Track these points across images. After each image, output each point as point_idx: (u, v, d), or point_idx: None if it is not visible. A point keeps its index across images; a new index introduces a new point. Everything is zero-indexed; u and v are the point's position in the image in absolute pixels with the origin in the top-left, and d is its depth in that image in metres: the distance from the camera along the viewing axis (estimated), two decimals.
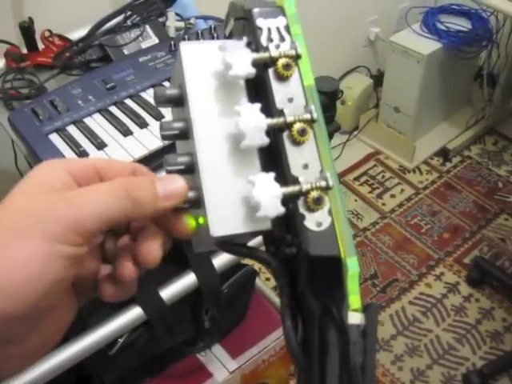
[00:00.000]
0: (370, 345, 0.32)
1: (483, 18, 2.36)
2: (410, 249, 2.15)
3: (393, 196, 2.36)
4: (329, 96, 1.10)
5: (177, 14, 1.27)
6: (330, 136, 1.18)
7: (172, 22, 1.25)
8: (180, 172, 0.37)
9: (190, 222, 0.37)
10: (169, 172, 0.37)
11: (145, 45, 1.20)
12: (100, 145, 0.97)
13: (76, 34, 1.25)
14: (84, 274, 0.38)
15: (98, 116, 1.03)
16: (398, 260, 2.11)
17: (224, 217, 0.34)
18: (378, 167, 2.48)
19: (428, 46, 2.27)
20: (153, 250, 0.38)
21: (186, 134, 0.36)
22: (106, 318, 1.09)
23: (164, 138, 0.37)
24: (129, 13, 1.23)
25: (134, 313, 1.11)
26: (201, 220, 0.35)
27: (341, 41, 2.47)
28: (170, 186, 0.36)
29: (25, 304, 0.32)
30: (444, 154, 2.52)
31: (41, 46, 1.21)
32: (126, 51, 1.19)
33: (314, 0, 2.20)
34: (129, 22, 1.23)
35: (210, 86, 0.36)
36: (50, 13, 1.34)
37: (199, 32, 1.17)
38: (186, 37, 1.22)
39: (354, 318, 0.32)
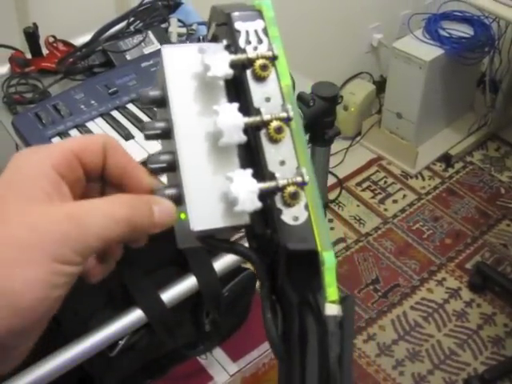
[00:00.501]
0: (347, 335, 0.33)
1: (485, 25, 2.37)
2: (412, 254, 2.16)
3: (395, 201, 2.37)
4: (329, 101, 1.11)
5: (179, 20, 1.28)
6: (330, 141, 1.19)
7: (174, 28, 1.26)
8: (162, 170, 0.38)
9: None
10: (152, 170, 0.38)
11: (147, 50, 1.22)
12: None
13: (80, 40, 1.27)
14: None
15: (100, 120, 1.04)
16: (399, 265, 2.12)
17: (204, 212, 0.35)
18: (381, 173, 2.49)
19: (430, 52, 2.28)
20: None
21: (168, 134, 0.38)
22: (107, 320, 1.10)
23: (147, 137, 0.38)
24: (132, 19, 1.24)
25: (135, 315, 1.12)
26: (182, 215, 0.36)
27: (343, 47, 2.48)
28: (165, 213, 0.37)
29: (32, 320, 0.33)
30: (446, 159, 2.53)
31: (45, 51, 1.23)
32: (128, 57, 1.20)
33: (316, 6, 2.22)
34: (131, 28, 1.25)
35: (190, 86, 0.37)
36: (54, 19, 1.36)
37: (201, 38, 1.18)
38: (188, 43, 1.23)
39: (332, 309, 0.33)
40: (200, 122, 0.37)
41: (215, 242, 0.37)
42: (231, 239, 0.38)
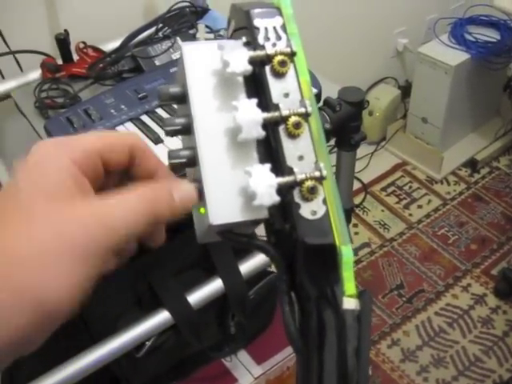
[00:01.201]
0: (364, 329, 0.34)
1: None
2: (437, 260, 2.15)
3: (420, 207, 2.36)
4: (355, 106, 1.11)
5: (207, 27, 1.30)
6: (357, 146, 1.19)
7: (202, 34, 1.28)
8: (182, 165, 0.39)
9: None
10: (172, 165, 0.39)
11: (175, 56, 1.23)
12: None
13: (109, 46, 1.29)
14: None
15: (129, 124, 1.06)
16: (424, 271, 2.11)
17: (223, 206, 0.36)
18: (406, 178, 2.48)
19: (456, 56, 2.27)
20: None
21: (188, 130, 0.38)
22: (134, 321, 1.12)
23: (167, 133, 0.39)
24: (160, 25, 1.26)
25: (162, 316, 1.14)
26: (202, 210, 0.37)
27: (369, 52, 2.48)
28: (185, 196, 0.38)
29: (57, 323, 0.33)
30: (472, 164, 2.51)
31: (75, 57, 1.25)
32: (157, 62, 1.22)
33: (342, 12, 2.22)
34: (160, 34, 1.26)
35: (210, 83, 0.38)
36: (85, 25, 1.38)
37: None
38: None
39: (350, 303, 0.34)
40: (219, 118, 0.37)
41: (234, 236, 0.37)
42: (250, 234, 0.39)
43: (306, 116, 0.36)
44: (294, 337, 0.35)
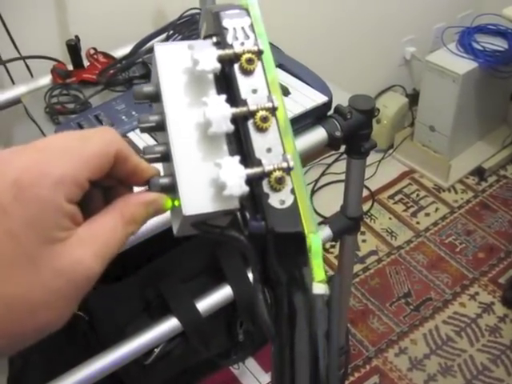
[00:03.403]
0: (333, 313, 0.35)
1: None
2: (445, 268, 2.14)
3: (427, 215, 2.36)
4: (365, 114, 1.11)
5: None
6: (366, 153, 1.19)
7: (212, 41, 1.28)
8: (157, 160, 0.40)
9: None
10: (147, 160, 0.40)
11: None
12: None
13: (120, 52, 1.29)
14: None
15: None
16: (432, 279, 2.10)
17: (195, 198, 0.37)
18: (413, 186, 2.48)
19: (464, 65, 2.27)
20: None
21: (161, 127, 0.40)
22: (143, 328, 1.12)
23: (142, 130, 0.41)
24: (171, 32, 1.27)
25: (171, 324, 1.13)
26: (176, 203, 0.38)
27: (377, 60, 2.49)
28: (153, 205, 0.40)
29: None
30: (480, 173, 2.51)
31: (86, 63, 1.25)
32: None
33: (350, 20, 2.23)
34: (171, 41, 1.27)
35: (182, 81, 0.39)
36: (95, 31, 1.38)
37: None
38: None
39: (319, 288, 0.35)
40: (191, 114, 0.39)
41: (208, 227, 0.39)
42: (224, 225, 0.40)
43: (273, 110, 0.38)
44: (268, 324, 0.37)
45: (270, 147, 0.37)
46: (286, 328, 0.36)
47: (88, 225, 0.37)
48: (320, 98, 1.09)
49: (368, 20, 2.30)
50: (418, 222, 2.32)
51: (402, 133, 2.59)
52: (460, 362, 1.86)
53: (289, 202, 0.37)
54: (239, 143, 0.38)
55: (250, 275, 1.19)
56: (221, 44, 0.38)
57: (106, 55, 1.28)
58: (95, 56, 1.26)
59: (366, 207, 2.33)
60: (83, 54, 1.26)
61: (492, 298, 2.04)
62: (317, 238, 0.36)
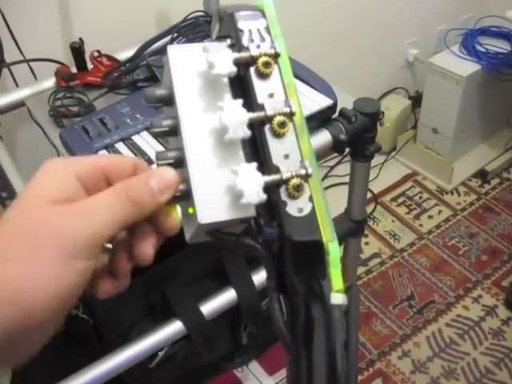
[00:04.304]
0: (352, 323, 0.35)
1: None
2: (448, 271, 2.14)
3: (430, 217, 2.35)
4: (370, 117, 1.11)
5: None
6: (371, 156, 1.19)
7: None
8: (170, 166, 0.39)
9: (176, 216, 0.40)
10: (159, 166, 0.39)
11: None
12: (147, 161, 1.00)
13: (124, 55, 1.29)
14: None
15: (145, 133, 1.06)
16: (435, 281, 2.10)
17: (211, 205, 0.37)
18: (416, 188, 2.48)
19: (467, 67, 2.27)
20: (147, 250, 0.40)
21: (174, 131, 0.39)
22: (147, 332, 1.11)
23: (154, 135, 0.40)
24: (175, 34, 1.26)
25: (175, 327, 1.13)
26: (190, 210, 0.38)
27: (379, 62, 2.48)
28: (163, 180, 0.38)
29: (44, 317, 0.34)
30: (482, 175, 2.50)
31: (90, 65, 1.25)
32: None
33: (353, 22, 2.23)
34: (175, 44, 1.27)
35: (196, 84, 0.38)
36: (99, 34, 1.38)
37: None
38: None
39: (337, 298, 0.34)
40: (206, 119, 0.38)
41: (223, 235, 0.38)
42: (239, 233, 0.39)
43: (290, 115, 0.37)
44: (283, 332, 0.36)
45: (288, 153, 0.36)
46: (302, 337, 0.35)
47: (86, 198, 0.37)
48: (325, 101, 1.09)
49: (371, 22, 2.30)
50: (420, 225, 2.32)
51: (405, 135, 2.58)
52: (463, 365, 1.85)
53: (307, 210, 0.36)
54: (254, 149, 0.37)
55: (255, 278, 1.19)
56: (236, 46, 0.37)
57: (110, 58, 1.28)
58: (99, 59, 1.26)
59: (368, 210, 2.33)
60: (87, 56, 1.25)
61: (495, 300, 2.04)
62: (335, 246, 0.35)
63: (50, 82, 1.26)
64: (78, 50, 1.23)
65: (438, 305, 2.02)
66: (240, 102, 0.36)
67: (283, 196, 0.36)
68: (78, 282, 0.35)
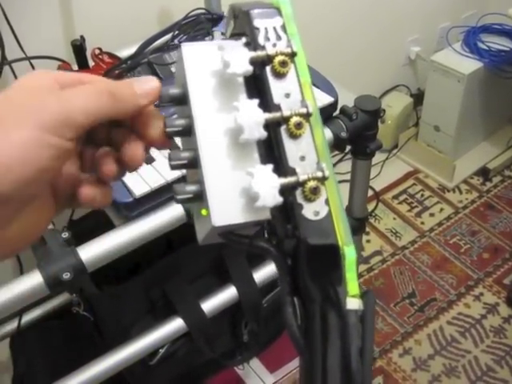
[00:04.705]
0: (367, 329, 0.34)
1: None
2: (449, 268, 2.14)
3: (432, 215, 2.35)
4: (371, 114, 1.11)
5: (222, 34, 1.30)
6: (372, 154, 1.19)
7: None
8: (183, 167, 0.39)
9: (160, 124, 0.40)
10: (172, 167, 0.39)
11: None
12: (148, 159, 1.00)
13: (125, 52, 1.29)
14: (63, 179, 0.41)
15: None
16: (436, 279, 2.10)
17: (225, 207, 0.36)
18: (418, 186, 2.48)
19: (469, 65, 2.26)
20: (137, 152, 0.40)
21: (188, 131, 0.38)
22: (148, 329, 1.12)
23: (167, 134, 0.39)
24: (176, 32, 1.26)
25: (176, 324, 1.14)
26: (204, 212, 0.37)
27: (381, 59, 2.48)
28: (146, 85, 0.39)
29: (12, 185, 0.34)
30: (484, 173, 2.50)
31: (91, 63, 1.25)
32: (173, 69, 1.22)
33: (354, 20, 2.22)
34: (176, 41, 1.26)
35: (211, 83, 0.37)
36: (101, 31, 1.38)
37: None
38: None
39: (353, 303, 0.34)
40: (220, 119, 0.37)
41: (236, 237, 0.37)
42: (252, 235, 0.38)
43: (307, 116, 0.36)
44: (297, 337, 0.35)
45: (304, 155, 0.36)
46: (317, 343, 0.34)
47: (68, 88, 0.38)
48: (326, 99, 1.09)
49: (372, 20, 2.30)
50: (422, 223, 2.32)
51: (407, 133, 2.58)
52: (464, 362, 1.86)
53: (323, 213, 0.35)
54: (270, 150, 0.36)
55: (255, 276, 1.19)
56: (251, 45, 0.37)
57: (111, 55, 1.28)
58: (100, 56, 1.26)
59: (370, 207, 2.32)
60: (88, 54, 1.25)
61: (497, 298, 2.04)
62: (351, 250, 0.34)
63: None
64: (79, 48, 1.23)
65: (440, 302, 2.02)
66: (256, 101, 0.35)
67: (299, 199, 0.35)
68: (48, 158, 0.35)
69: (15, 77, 1.32)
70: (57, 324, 1.34)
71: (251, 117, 0.35)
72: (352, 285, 0.34)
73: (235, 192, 0.36)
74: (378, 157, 2.49)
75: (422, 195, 2.43)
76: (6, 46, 1.26)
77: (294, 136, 0.36)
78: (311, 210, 0.35)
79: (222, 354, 1.31)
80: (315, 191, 0.35)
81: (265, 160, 0.37)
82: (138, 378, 1.22)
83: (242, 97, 0.37)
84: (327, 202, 0.35)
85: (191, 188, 0.37)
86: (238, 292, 1.17)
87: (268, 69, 0.36)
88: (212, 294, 1.17)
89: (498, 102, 2.50)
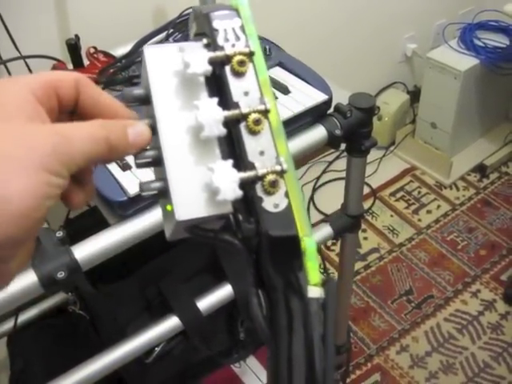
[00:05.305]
0: (329, 316, 0.35)
1: None
2: (446, 265, 2.14)
3: (429, 212, 2.36)
4: (366, 112, 1.11)
5: None
6: (367, 152, 1.19)
7: None
8: (148, 165, 0.40)
9: None
10: (138, 165, 0.40)
11: None
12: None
13: (120, 51, 1.29)
14: None
15: None
16: (433, 276, 2.10)
17: (188, 202, 0.37)
18: (415, 183, 2.48)
19: (465, 62, 2.27)
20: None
21: (153, 130, 0.39)
22: (144, 327, 1.12)
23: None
24: (171, 30, 1.26)
25: (172, 322, 1.13)
26: (169, 207, 0.38)
27: (378, 57, 2.48)
28: (140, 137, 0.39)
29: (25, 229, 0.34)
30: (481, 170, 2.51)
31: (86, 62, 1.25)
32: None
33: (350, 16, 2.22)
34: (171, 40, 1.26)
35: (172, 84, 0.39)
36: (95, 30, 1.38)
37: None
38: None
39: (314, 292, 0.35)
40: (182, 117, 0.38)
41: (201, 231, 0.38)
42: (217, 229, 0.39)
43: (265, 113, 0.37)
44: (263, 327, 0.36)
45: (263, 150, 0.37)
46: (283, 332, 0.35)
47: (62, 123, 0.37)
48: (320, 97, 1.09)
49: (369, 17, 2.30)
50: (419, 220, 2.32)
51: (404, 130, 2.59)
52: (462, 359, 1.86)
53: (283, 205, 0.36)
54: (232, 146, 0.38)
55: None
56: (211, 46, 0.38)
57: (105, 54, 1.27)
58: (95, 55, 1.26)
59: (367, 205, 2.33)
60: (83, 53, 1.25)
61: (494, 295, 2.04)
62: (311, 241, 0.36)
63: None
64: (73, 47, 1.23)
65: (437, 299, 2.03)
66: (215, 100, 0.37)
67: (259, 192, 0.36)
68: (54, 197, 0.35)
69: (10, 75, 1.32)
70: (53, 323, 1.34)
71: (210, 115, 0.36)
72: (313, 274, 0.35)
73: (198, 187, 0.37)
74: (375, 154, 2.49)
75: (419, 192, 2.44)
76: (1, 45, 1.26)
77: (253, 132, 0.37)
78: (271, 203, 0.36)
79: (218, 352, 1.31)
80: (274, 184, 0.36)
81: (227, 156, 0.38)
82: (134, 377, 1.22)
83: (203, 96, 0.39)
84: (287, 194, 0.37)
85: (156, 185, 0.39)
86: (233, 290, 1.17)
87: (227, 68, 0.38)
88: (208, 292, 1.17)
89: (495, 99, 2.51)
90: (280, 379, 0.35)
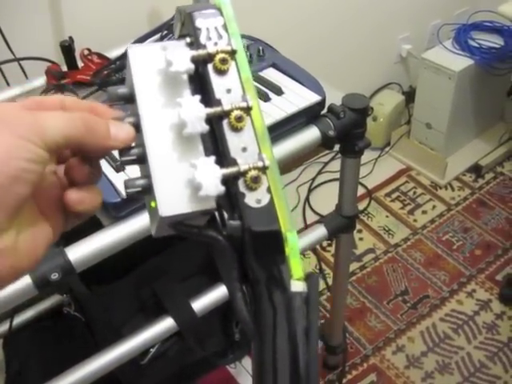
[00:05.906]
0: (312, 310, 0.36)
1: None
2: (442, 265, 2.15)
3: (424, 212, 2.36)
4: (359, 113, 1.11)
5: None
6: (361, 152, 1.19)
7: None
8: (133, 162, 0.41)
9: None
10: (123, 163, 0.41)
11: None
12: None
13: (114, 53, 1.29)
14: (49, 201, 0.41)
15: None
16: (429, 276, 2.10)
17: (171, 198, 0.38)
18: (410, 183, 2.48)
19: (460, 62, 2.27)
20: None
21: (137, 128, 0.40)
22: (139, 328, 1.12)
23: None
24: (165, 32, 1.26)
25: (167, 323, 1.14)
26: (153, 204, 0.39)
27: (373, 57, 2.49)
28: (122, 131, 0.40)
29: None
30: (476, 170, 2.51)
31: (80, 64, 1.25)
32: None
33: (346, 17, 2.23)
34: (165, 41, 1.27)
35: (156, 82, 0.39)
36: (89, 32, 1.38)
37: None
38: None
39: (297, 286, 0.36)
40: (165, 115, 0.39)
41: (185, 227, 0.39)
42: (202, 225, 0.40)
43: (247, 110, 0.38)
44: (247, 321, 0.37)
45: (246, 146, 0.38)
46: (267, 325, 0.36)
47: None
48: (313, 98, 1.10)
49: (363, 18, 2.30)
50: (415, 220, 2.33)
51: (399, 130, 2.59)
52: (457, 359, 1.86)
53: (265, 200, 0.37)
54: (215, 143, 0.38)
55: None
56: (194, 44, 0.39)
57: (100, 56, 1.27)
58: (89, 57, 1.26)
59: (362, 205, 2.33)
60: (77, 54, 1.25)
61: (489, 295, 2.04)
62: (294, 236, 0.36)
63: (40, 81, 1.26)
64: (68, 49, 1.23)
65: (432, 299, 2.03)
66: (198, 97, 0.37)
67: (241, 188, 0.37)
68: (26, 158, 0.36)
69: (4, 78, 1.32)
70: (49, 325, 1.34)
71: (193, 112, 0.37)
72: (296, 268, 0.36)
73: (181, 183, 0.38)
74: (370, 155, 2.50)
75: (415, 193, 2.44)
76: None
77: (235, 129, 0.38)
78: (253, 198, 0.37)
79: (213, 352, 1.31)
80: (256, 180, 0.37)
81: (210, 153, 0.38)
82: (129, 378, 1.22)
83: (186, 93, 0.39)
84: (269, 190, 0.37)
85: (140, 182, 0.39)
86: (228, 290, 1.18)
87: (210, 66, 0.38)
88: (202, 293, 1.17)
89: (490, 99, 2.51)
90: (265, 372, 0.36)
